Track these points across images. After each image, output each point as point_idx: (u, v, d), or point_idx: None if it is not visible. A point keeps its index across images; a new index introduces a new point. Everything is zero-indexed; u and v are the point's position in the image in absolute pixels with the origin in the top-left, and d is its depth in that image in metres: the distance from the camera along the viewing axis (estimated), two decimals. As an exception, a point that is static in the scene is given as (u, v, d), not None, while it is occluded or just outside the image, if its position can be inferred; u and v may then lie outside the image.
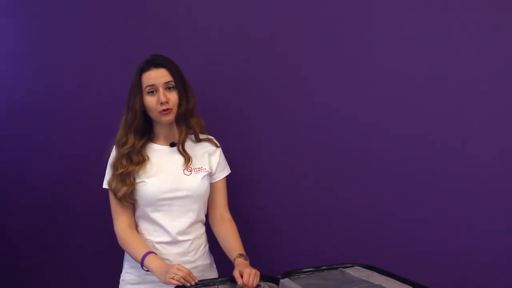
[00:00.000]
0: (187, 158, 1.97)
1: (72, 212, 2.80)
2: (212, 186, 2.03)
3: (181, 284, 1.69)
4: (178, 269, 1.72)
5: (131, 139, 1.94)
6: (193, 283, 1.70)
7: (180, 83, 1.94)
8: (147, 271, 1.87)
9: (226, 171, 2.08)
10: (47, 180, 2.85)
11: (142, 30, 2.45)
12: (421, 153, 1.89)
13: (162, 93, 1.90)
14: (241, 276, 1.71)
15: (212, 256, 2.08)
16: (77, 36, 2.67)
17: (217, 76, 2.30)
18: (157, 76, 1.91)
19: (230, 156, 2.10)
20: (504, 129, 1.76)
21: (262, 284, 1.73)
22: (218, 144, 2.07)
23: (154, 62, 1.94)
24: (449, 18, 1.82)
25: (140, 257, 1.86)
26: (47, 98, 2.79)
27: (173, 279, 1.70)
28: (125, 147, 1.94)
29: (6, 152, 3.00)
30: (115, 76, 2.48)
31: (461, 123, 1.83)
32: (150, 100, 1.92)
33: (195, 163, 1.99)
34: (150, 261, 1.85)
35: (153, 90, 1.91)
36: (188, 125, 2.00)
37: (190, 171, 1.97)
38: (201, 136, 2.04)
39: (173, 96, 1.93)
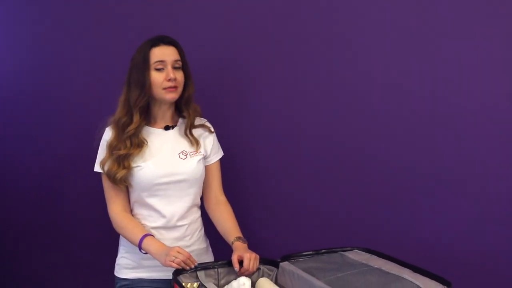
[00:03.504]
0: (196, 143, 1.97)
1: (66, 199, 2.81)
2: (206, 169, 2.02)
3: (181, 267, 1.69)
4: (178, 252, 1.71)
5: (137, 118, 1.89)
6: (192, 266, 1.70)
7: (186, 66, 1.94)
8: (145, 253, 1.86)
9: (220, 153, 2.07)
10: (43, 168, 2.86)
11: (140, 22, 2.44)
12: (423, 140, 1.89)
13: (170, 70, 1.88)
14: (241, 261, 1.71)
15: (207, 240, 2.09)
16: (71, 31, 2.68)
17: (214, 63, 2.31)
18: (168, 53, 1.89)
19: (226, 139, 2.09)
20: (506, 126, 1.76)
21: (261, 267, 1.75)
22: (212, 130, 2.05)
23: (164, 39, 1.92)
24: (450, 17, 1.80)
25: (137, 240, 1.85)
26: (36, 91, 2.80)
27: (173, 262, 1.69)
28: (130, 127, 1.89)
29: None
30: (112, 68, 2.47)
31: (461, 118, 1.82)
32: (156, 76, 1.88)
33: (190, 146, 1.98)
34: (148, 243, 1.84)
35: (161, 67, 1.88)
36: (189, 110, 1.98)
37: (186, 155, 1.96)
38: (196, 123, 2.01)
39: (180, 76, 1.91)
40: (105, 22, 2.61)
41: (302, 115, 2.12)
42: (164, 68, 1.88)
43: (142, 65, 1.89)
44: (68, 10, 2.71)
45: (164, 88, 1.88)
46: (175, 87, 1.89)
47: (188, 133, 1.97)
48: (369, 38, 1.95)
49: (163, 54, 1.89)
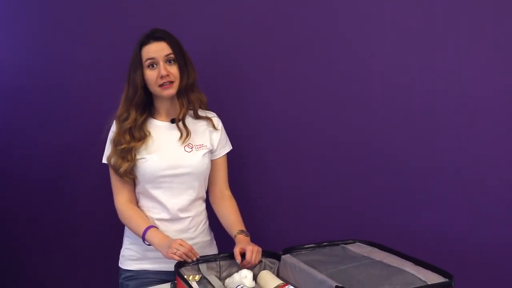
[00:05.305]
0: (186, 133, 1.94)
1: (67, 196, 2.80)
2: (213, 163, 2.03)
3: (182, 260, 1.69)
4: (180, 245, 1.72)
5: (133, 114, 1.92)
6: (194, 259, 1.70)
7: (180, 57, 1.92)
8: (149, 245, 1.87)
9: (228, 147, 2.07)
10: (43, 167, 2.86)
11: (140, 22, 2.44)
12: (423, 136, 1.90)
13: (162, 67, 1.87)
14: (243, 254, 1.72)
15: (212, 233, 2.09)
16: (71, 31, 2.69)
17: (217, 50, 2.32)
18: (157, 49, 1.89)
19: (230, 131, 2.10)
20: (506, 125, 1.77)
21: (263, 260, 1.74)
22: (217, 126, 2.03)
23: (154, 35, 1.91)
24: (450, 17, 1.81)
25: (141, 232, 1.87)
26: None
27: (175, 254, 1.70)
28: (127, 122, 1.91)
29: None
30: (112, 68, 2.47)
31: (461, 116, 1.82)
32: (150, 74, 1.89)
33: (196, 139, 1.97)
34: (151, 235, 1.85)
35: (153, 64, 1.89)
36: (188, 100, 1.97)
37: (191, 148, 1.96)
38: (200, 113, 2.01)
39: (173, 70, 1.90)
40: (105, 22, 2.61)
41: (303, 113, 2.13)
42: (156, 64, 1.89)
43: (135, 64, 1.92)
44: (68, 10, 2.72)
45: (159, 86, 1.89)
46: (170, 82, 1.90)
47: (180, 123, 1.96)
48: (369, 38, 1.97)
49: (153, 51, 1.89)
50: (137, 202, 1.99)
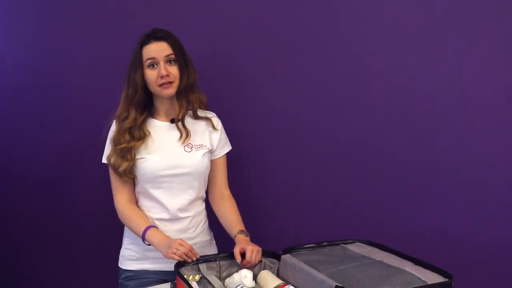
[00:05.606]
0: (186, 133, 1.95)
1: (66, 196, 2.80)
2: (212, 163, 2.03)
3: (182, 260, 1.69)
4: (180, 245, 1.72)
5: (133, 114, 1.92)
6: (194, 259, 1.70)
7: (181, 57, 1.92)
8: (149, 245, 1.87)
9: (227, 148, 2.07)
10: (43, 168, 2.86)
11: (140, 22, 2.44)
12: (423, 136, 1.90)
13: (162, 67, 1.88)
14: (243, 254, 1.71)
15: (211, 233, 2.09)
16: (71, 31, 2.69)
17: (217, 50, 2.31)
18: (158, 49, 1.89)
19: (230, 131, 2.10)
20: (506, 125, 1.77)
21: (263, 260, 1.74)
22: (217, 126, 2.04)
23: (155, 35, 1.91)
24: (450, 17, 1.81)
25: (141, 232, 1.87)
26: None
27: (175, 254, 1.70)
28: (126, 121, 1.91)
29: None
30: (112, 68, 2.47)
31: (460, 116, 1.82)
32: (150, 74, 1.89)
33: (196, 139, 1.98)
34: (151, 235, 1.85)
35: (153, 64, 1.89)
36: (188, 100, 1.97)
37: (191, 148, 1.96)
38: (200, 113, 2.01)
39: (174, 70, 1.90)
40: (105, 22, 2.62)
41: (303, 113, 2.13)
42: (157, 64, 1.89)
43: (135, 64, 1.92)
44: (68, 10, 2.72)
45: (159, 85, 1.89)
46: (170, 82, 1.90)
47: (180, 124, 1.96)
48: (369, 38, 1.96)
49: (153, 51, 1.89)
50: (136, 202, 1.99)
